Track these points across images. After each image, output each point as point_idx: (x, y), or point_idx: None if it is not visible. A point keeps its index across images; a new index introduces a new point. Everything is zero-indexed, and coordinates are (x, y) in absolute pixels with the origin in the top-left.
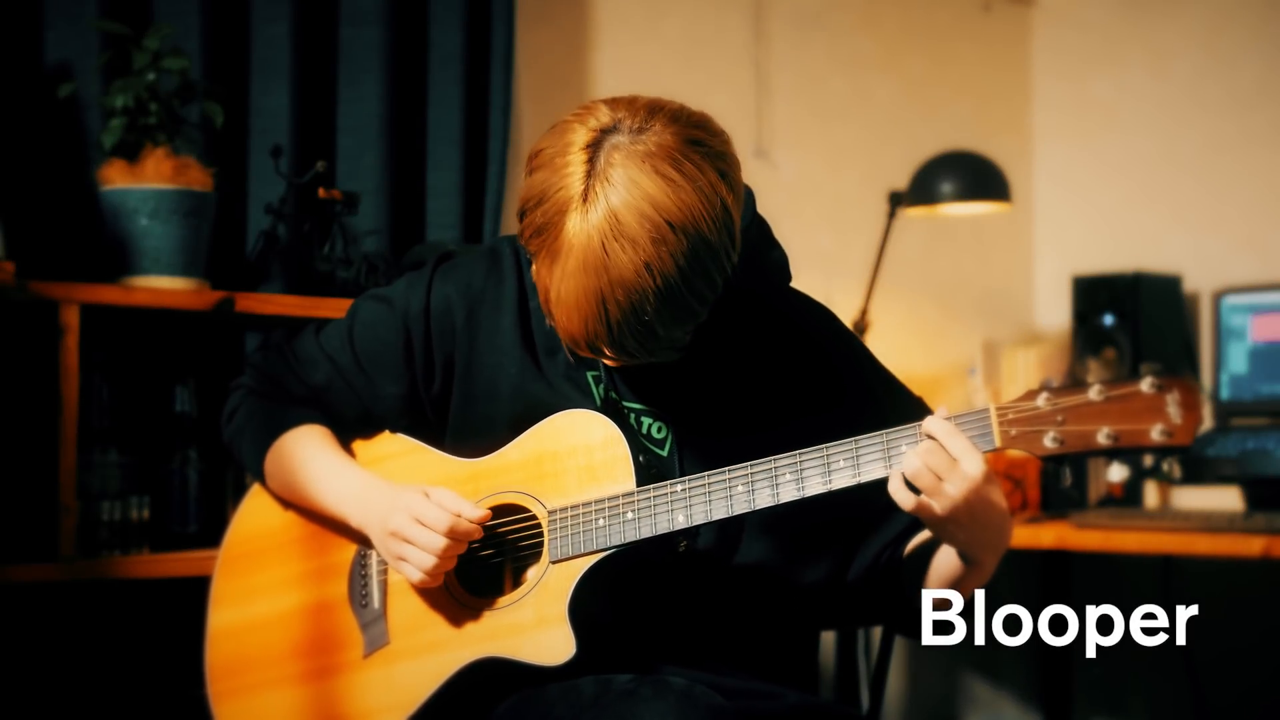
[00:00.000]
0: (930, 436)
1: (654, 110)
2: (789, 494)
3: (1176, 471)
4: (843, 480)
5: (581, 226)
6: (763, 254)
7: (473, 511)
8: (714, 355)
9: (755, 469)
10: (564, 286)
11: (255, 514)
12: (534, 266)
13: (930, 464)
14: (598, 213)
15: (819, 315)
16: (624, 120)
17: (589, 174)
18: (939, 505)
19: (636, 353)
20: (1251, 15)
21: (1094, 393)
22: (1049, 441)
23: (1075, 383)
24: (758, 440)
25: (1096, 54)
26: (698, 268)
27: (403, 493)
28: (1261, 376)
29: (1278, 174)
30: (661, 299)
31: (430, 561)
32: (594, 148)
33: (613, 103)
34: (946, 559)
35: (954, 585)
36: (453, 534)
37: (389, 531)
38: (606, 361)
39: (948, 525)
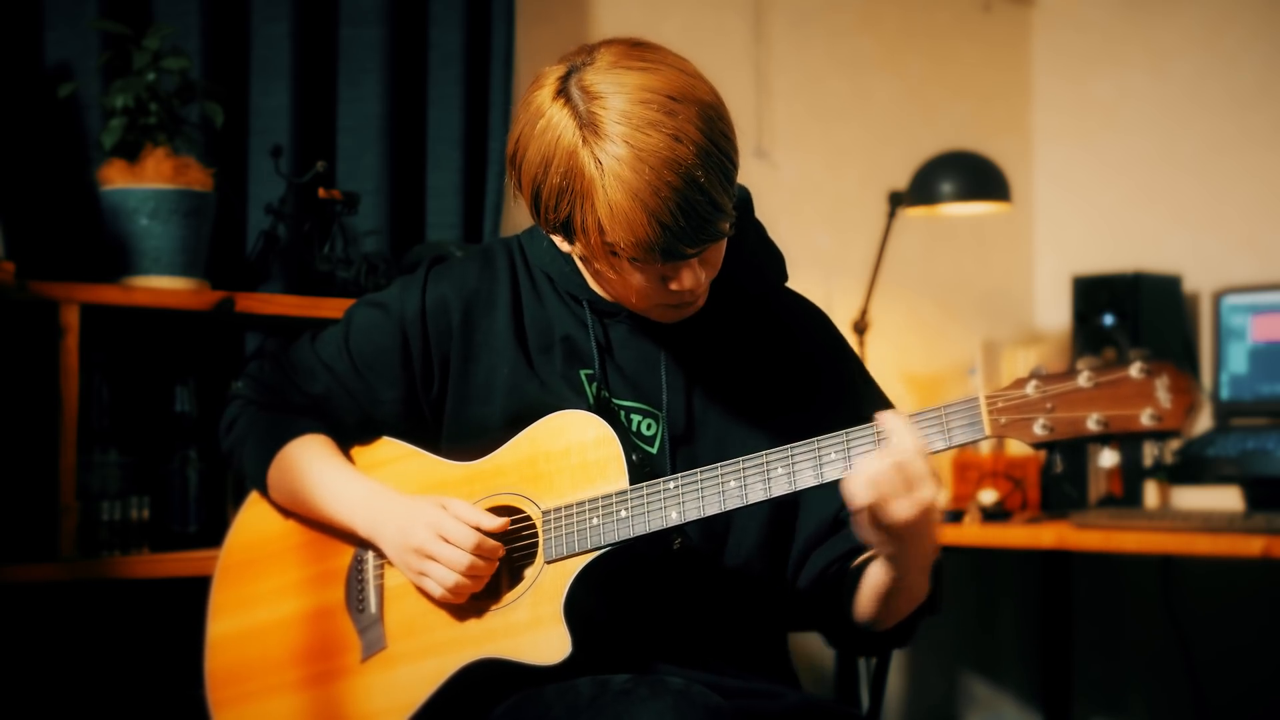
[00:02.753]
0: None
1: (590, 46)
2: (781, 488)
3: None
4: (834, 473)
5: (601, 145)
6: (760, 253)
7: (490, 522)
8: (708, 351)
9: (747, 464)
10: (613, 201)
11: (252, 523)
12: (574, 237)
13: (892, 475)
14: (606, 124)
15: (813, 316)
16: (572, 60)
17: (575, 110)
18: (886, 516)
19: (705, 231)
20: (1251, 15)
21: (1083, 379)
22: (1039, 429)
23: (1066, 370)
24: (747, 437)
25: (1096, 54)
26: (714, 127)
27: (421, 507)
28: (1261, 376)
29: (1278, 174)
30: (703, 160)
31: (454, 579)
32: (563, 92)
33: (552, 65)
34: (880, 572)
35: (885, 599)
36: (479, 550)
37: (412, 548)
38: (684, 280)
39: (885, 535)
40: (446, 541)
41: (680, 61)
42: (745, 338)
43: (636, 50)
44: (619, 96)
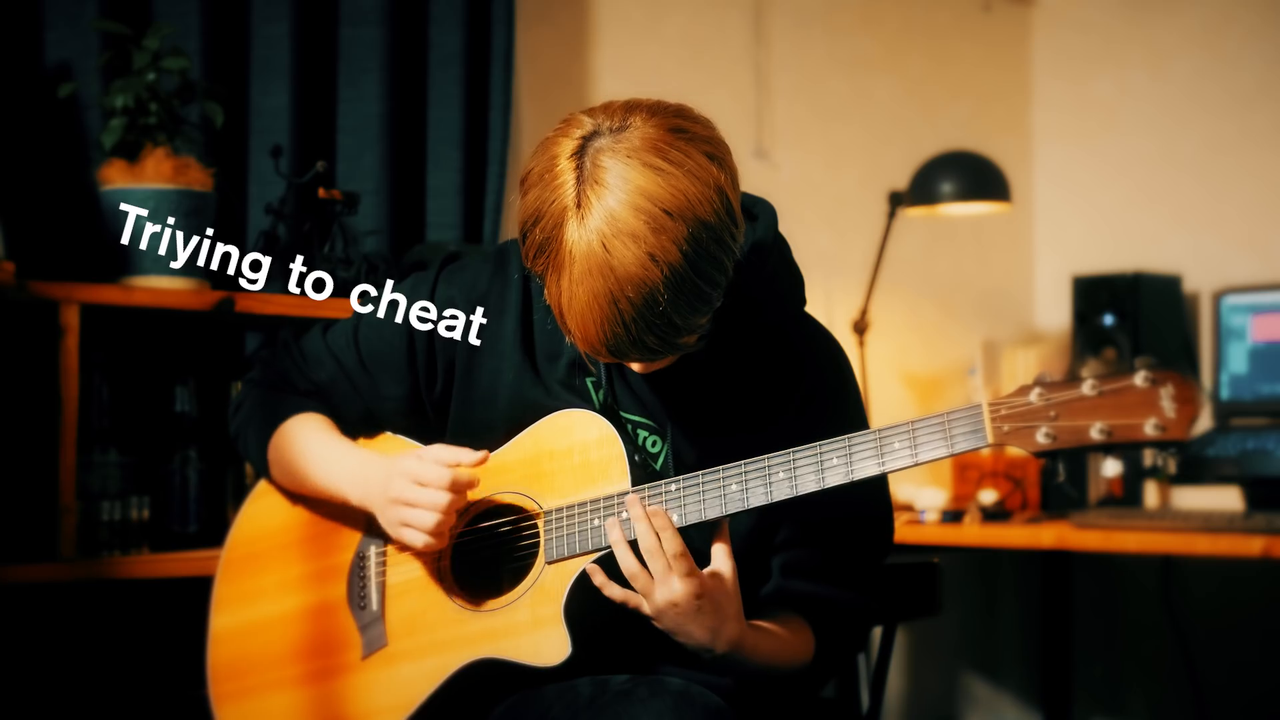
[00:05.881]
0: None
1: (631, 108)
2: (782, 492)
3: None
4: (835, 478)
5: (580, 233)
6: (781, 277)
7: (470, 457)
8: (716, 374)
9: (749, 467)
10: (574, 294)
11: (256, 517)
12: (545, 288)
13: (636, 570)
14: (594, 215)
15: (823, 351)
16: (603, 123)
17: (579, 180)
18: (647, 607)
19: (659, 348)
20: (1251, 15)
21: (1087, 387)
22: (1041, 437)
23: (1069, 376)
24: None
25: (1096, 54)
26: (701, 251)
27: (397, 459)
28: (1261, 376)
29: (1278, 174)
30: (672, 288)
31: (433, 519)
32: (579, 155)
33: (590, 110)
34: None
35: None
36: (454, 487)
37: (390, 499)
38: (634, 366)
39: (652, 619)
40: (423, 485)
41: (701, 168)
42: (753, 364)
43: (665, 140)
44: (616, 194)
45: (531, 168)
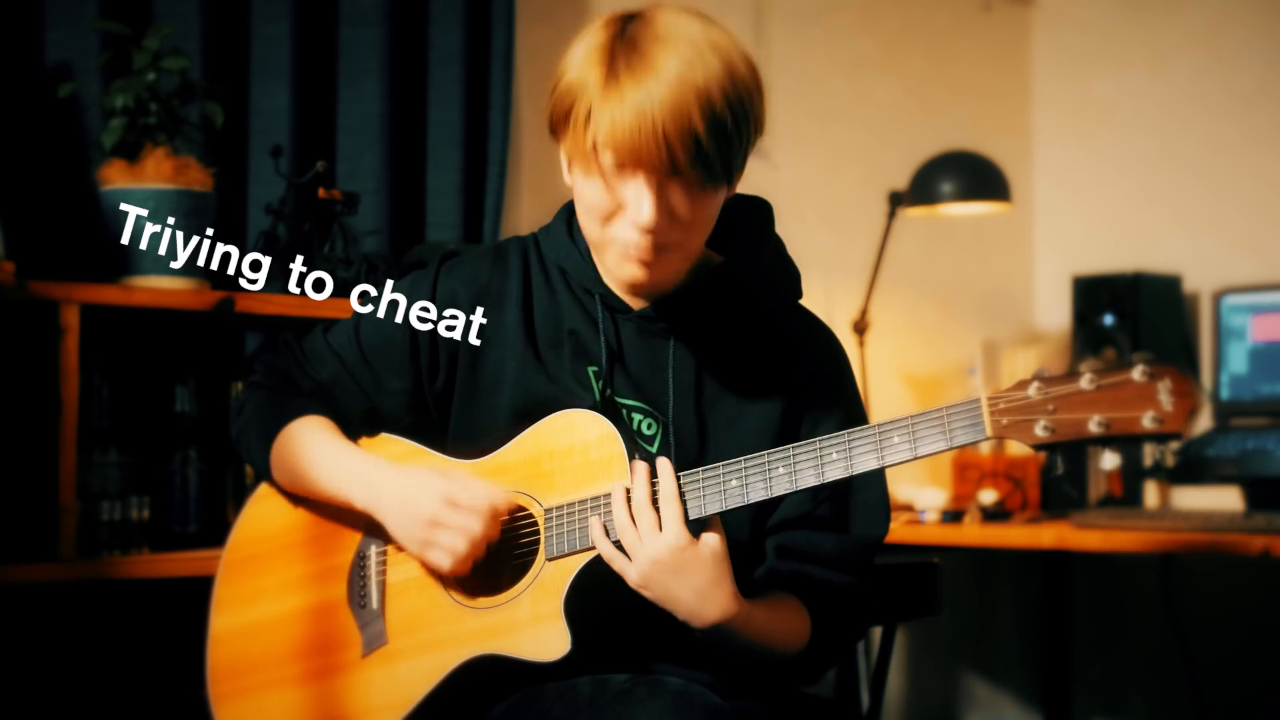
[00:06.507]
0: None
1: (656, 5)
2: (782, 487)
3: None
4: (835, 472)
5: (629, 50)
6: (778, 269)
7: (501, 497)
8: (714, 359)
9: (749, 463)
10: (621, 109)
11: (257, 519)
12: (572, 136)
13: (626, 524)
14: (642, 36)
15: (820, 341)
16: (638, 11)
17: (614, 34)
18: (632, 570)
19: (697, 162)
20: (1251, 15)
21: (1085, 381)
22: (1040, 430)
23: (1068, 372)
24: (742, 449)
25: (1096, 54)
26: (743, 82)
27: (425, 476)
28: (1261, 376)
29: (1278, 174)
30: (719, 97)
31: (465, 547)
32: (616, 23)
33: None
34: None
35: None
36: (493, 515)
37: (423, 518)
38: (643, 205)
39: (639, 585)
40: (458, 507)
41: (729, 34)
42: (751, 351)
43: (699, 15)
44: (664, 22)
45: (566, 54)
